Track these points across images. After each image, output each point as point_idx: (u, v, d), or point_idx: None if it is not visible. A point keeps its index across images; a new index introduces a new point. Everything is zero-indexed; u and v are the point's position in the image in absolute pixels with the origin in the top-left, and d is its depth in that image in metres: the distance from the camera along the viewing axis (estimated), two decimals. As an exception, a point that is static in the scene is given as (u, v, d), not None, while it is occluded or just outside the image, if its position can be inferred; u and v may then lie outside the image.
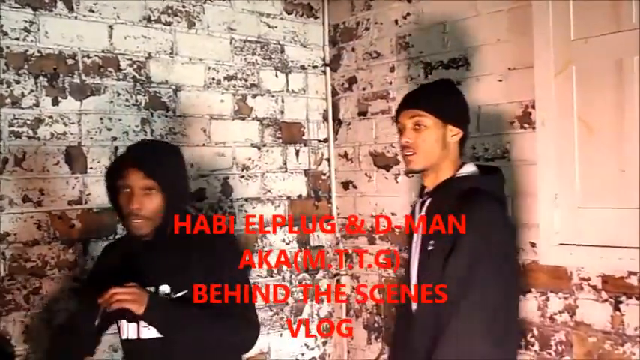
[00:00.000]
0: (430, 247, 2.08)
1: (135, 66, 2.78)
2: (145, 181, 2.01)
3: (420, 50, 3.01)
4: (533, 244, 2.61)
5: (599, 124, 2.38)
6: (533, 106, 2.57)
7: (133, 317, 2.06)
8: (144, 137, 2.78)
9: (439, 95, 2.19)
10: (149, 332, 2.07)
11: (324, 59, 3.45)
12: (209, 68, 3.01)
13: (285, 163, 3.29)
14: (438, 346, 1.97)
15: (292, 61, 3.33)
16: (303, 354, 3.33)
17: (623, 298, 2.36)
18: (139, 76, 2.79)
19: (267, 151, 3.22)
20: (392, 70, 3.14)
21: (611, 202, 2.36)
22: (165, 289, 2.09)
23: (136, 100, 2.78)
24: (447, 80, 2.37)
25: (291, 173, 3.31)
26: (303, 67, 3.38)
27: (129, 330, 2.12)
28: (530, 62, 2.55)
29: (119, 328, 2.17)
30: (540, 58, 2.52)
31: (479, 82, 2.77)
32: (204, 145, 2.97)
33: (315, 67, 3.43)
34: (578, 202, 2.44)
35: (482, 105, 2.76)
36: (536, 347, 2.61)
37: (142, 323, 2.07)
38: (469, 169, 2.17)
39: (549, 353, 2.57)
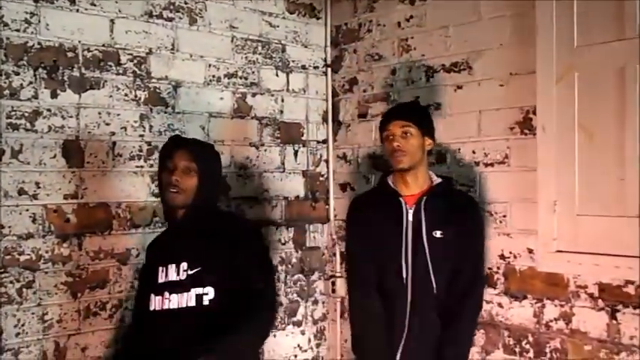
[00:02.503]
0: (439, 236, 2.53)
1: (135, 61, 2.76)
2: (188, 161, 2.31)
3: (422, 53, 3.00)
4: (530, 251, 2.60)
5: (600, 132, 2.38)
6: (534, 112, 2.56)
7: (158, 290, 2.32)
8: (142, 133, 2.77)
9: (421, 112, 2.70)
10: (168, 303, 2.30)
11: (325, 60, 3.44)
12: (209, 65, 3.00)
13: (283, 163, 3.28)
14: (461, 319, 2.53)
15: (293, 61, 3.32)
16: (296, 356, 3.32)
17: (619, 306, 2.36)
18: (139, 72, 2.77)
19: (266, 150, 3.20)
20: (393, 72, 3.13)
21: (610, 210, 2.35)
22: (184, 265, 2.32)
23: (136, 96, 2.77)
24: (417, 101, 2.94)
25: (289, 173, 3.30)
26: (304, 67, 3.36)
27: (156, 302, 2.33)
28: (533, 68, 2.55)
29: (149, 301, 2.36)
30: (543, 64, 2.51)
31: (480, 86, 2.76)
32: (202, 142, 2.95)
33: (316, 67, 3.41)
34: (577, 209, 2.43)
35: (483, 110, 2.76)
36: (531, 354, 2.60)
37: (165, 296, 2.31)
38: (435, 177, 2.67)
39: (544, 360, 2.56)
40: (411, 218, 2.56)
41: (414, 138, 2.54)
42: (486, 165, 2.75)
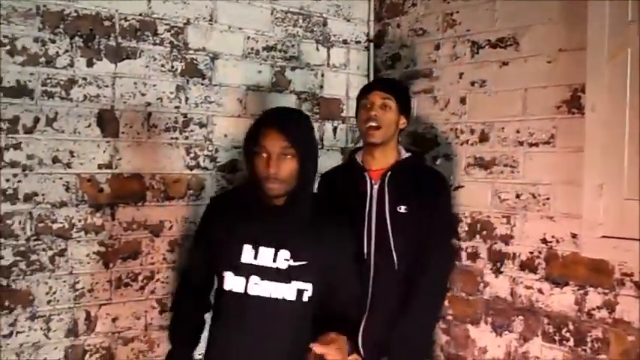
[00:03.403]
0: (402, 211, 2.52)
1: (172, 31, 2.73)
2: (283, 145, 2.06)
3: (468, 28, 2.89)
4: (574, 236, 2.48)
5: (653, 112, 2.25)
6: (583, 91, 2.44)
7: (241, 271, 2.14)
8: (178, 104, 2.74)
9: (403, 89, 2.71)
10: (257, 288, 2.14)
11: (367, 35, 3.35)
12: (248, 38, 2.94)
13: (322, 139, 3.21)
14: (416, 296, 2.49)
15: (334, 35, 3.24)
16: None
17: (667, 297, 2.24)
18: (176, 42, 2.74)
19: (304, 125, 3.14)
20: (437, 48, 3.03)
21: (660, 194, 2.23)
22: (285, 254, 2.15)
23: (172, 66, 2.73)
24: (399, 80, 2.96)
25: (328, 150, 3.23)
26: (345, 42, 3.28)
27: (236, 283, 2.16)
28: (583, 44, 2.41)
29: (222, 278, 2.19)
30: (594, 40, 2.38)
31: (527, 63, 2.64)
32: (239, 115, 2.91)
33: (358, 42, 3.33)
34: (624, 193, 2.31)
35: (529, 87, 2.64)
36: (571, 343, 2.49)
37: (252, 280, 2.13)
38: (405, 151, 2.68)
39: (584, 350, 2.45)
40: (375, 193, 2.57)
41: (391, 112, 2.57)
42: (531, 145, 2.63)
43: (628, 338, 2.33)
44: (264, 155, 2.08)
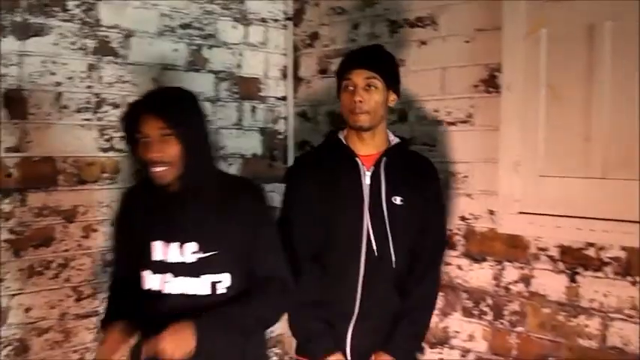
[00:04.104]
0: (399, 203, 2.30)
1: (83, 7, 2.59)
2: (160, 126, 1.94)
3: (386, 7, 2.89)
4: (491, 212, 2.54)
5: (567, 91, 2.32)
6: (499, 70, 2.49)
7: (157, 269, 2.05)
8: (90, 84, 2.62)
9: (389, 62, 2.37)
10: (169, 286, 2.03)
11: (286, 13, 3.30)
12: (163, 15, 2.84)
13: (240, 120, 3.15)
14: (423, 281, 2.36)
15: (252, 13, 3.17)
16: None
17: (579, 269, 2.33)
18: (87, 19, 2.61)
19: (222, 106, 3.07)
20: (355, 27, 3.02)
21: (574, 171, 2.31)
22: (192, 247, 2.03)
23: (83, 44, 2.61)
24: (382, 46, 2.45)
25: (247, 130, 3.18)
26: (263, 20, 3.22)
27: (152, 282, 2.06)
28: (499, 24, 2.46)
29: (141, 277, 2.08)
30: (510, 20, 2.43)
31: (445, 42, 2.67)
32: (155, 95, 2.81)
33: (276, 20, 3.27)
34: (540, 170, 2.39)
35: (447, 67, 2.67)
36: (490, 317, 2.57)
37: (165, 278, 2.04)
38: (392, 134, 2.42)
39: (502, 323, 2.53)
40: (368, 181, 2.31)
41: (378, 93, 2.25)
42: (449, 124, 2.67)
43: (543, 310, 2.41)
44: (145, 140, 1.98)
